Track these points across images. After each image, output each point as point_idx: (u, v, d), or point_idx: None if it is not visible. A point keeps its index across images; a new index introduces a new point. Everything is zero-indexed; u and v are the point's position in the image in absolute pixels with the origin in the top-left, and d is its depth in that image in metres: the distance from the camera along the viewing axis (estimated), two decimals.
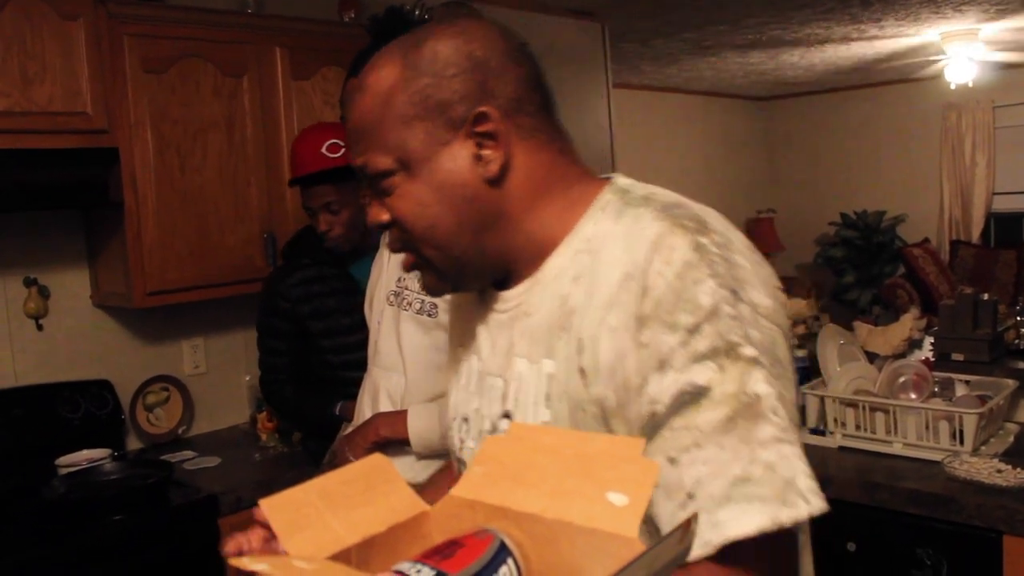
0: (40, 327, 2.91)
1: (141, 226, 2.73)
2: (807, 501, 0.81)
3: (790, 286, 6.37)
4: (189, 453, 2.94)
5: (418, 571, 0.68)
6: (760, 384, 0.83)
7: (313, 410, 2.54)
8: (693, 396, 0.83)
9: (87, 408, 2.86)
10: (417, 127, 0.94)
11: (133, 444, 3.07)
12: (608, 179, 1.01)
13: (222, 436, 3.19)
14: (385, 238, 2.39)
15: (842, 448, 2.46)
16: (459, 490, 0.80)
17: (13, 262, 2.85)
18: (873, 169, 8.63)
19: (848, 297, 7.90)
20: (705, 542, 0.80)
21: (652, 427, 0.85)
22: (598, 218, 0.96)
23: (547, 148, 0.98)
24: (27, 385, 2.83)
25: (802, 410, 2.45)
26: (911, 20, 5.50)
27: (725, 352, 0.83)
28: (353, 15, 3.35)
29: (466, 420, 1.09)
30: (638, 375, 0.87)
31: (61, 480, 2.54)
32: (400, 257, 1.07)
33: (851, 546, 2.28)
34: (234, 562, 0.59)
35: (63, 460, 2.67)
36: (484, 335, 1.05)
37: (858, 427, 2.46)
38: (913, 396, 2.45)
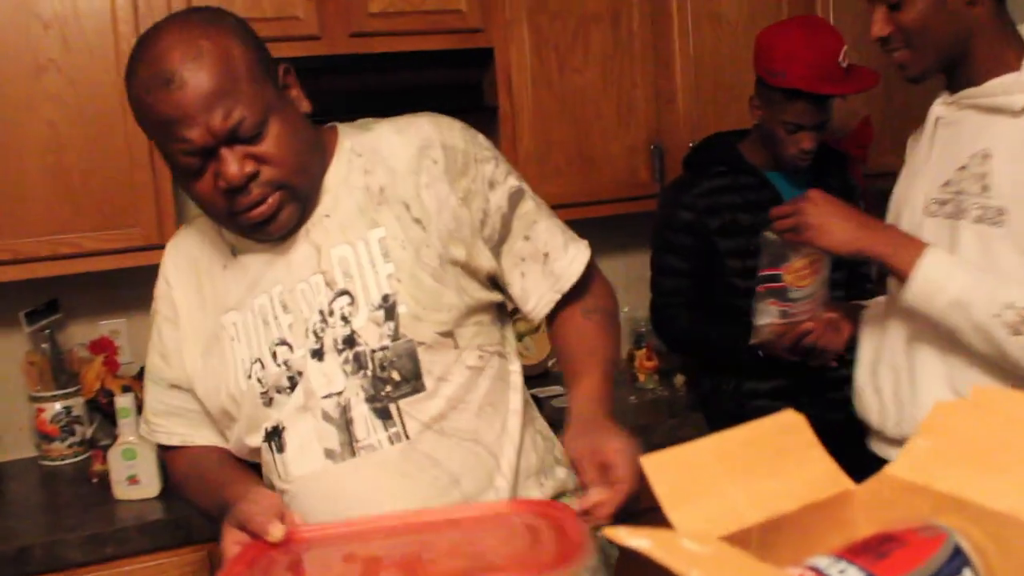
0: None
1: (516, 133, 2.81)
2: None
3: None
4: (557, 389, 3.02)
5: (841, 571, 0.60)
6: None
7: (722, 338, 2.43)
8: (519, 192, 1.47)
9: None
10: None
11: None
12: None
13: None
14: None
15: None
16: (898, 468, 0.70)
17: None
18: None
19: None
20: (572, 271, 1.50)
21: (501, 226, 1.44)
22: (348, 134, 1.44)
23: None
24: None
25: None
26: None
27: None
28: None
29: (271, 352, 1.37)
30: (472, 204, 1.41)
31: None
32: (954, 157, 1.66)
33: None
34: (609, 532, 0.55)
35: None
36: (279, 265, 1.39)
37: None
38: None
